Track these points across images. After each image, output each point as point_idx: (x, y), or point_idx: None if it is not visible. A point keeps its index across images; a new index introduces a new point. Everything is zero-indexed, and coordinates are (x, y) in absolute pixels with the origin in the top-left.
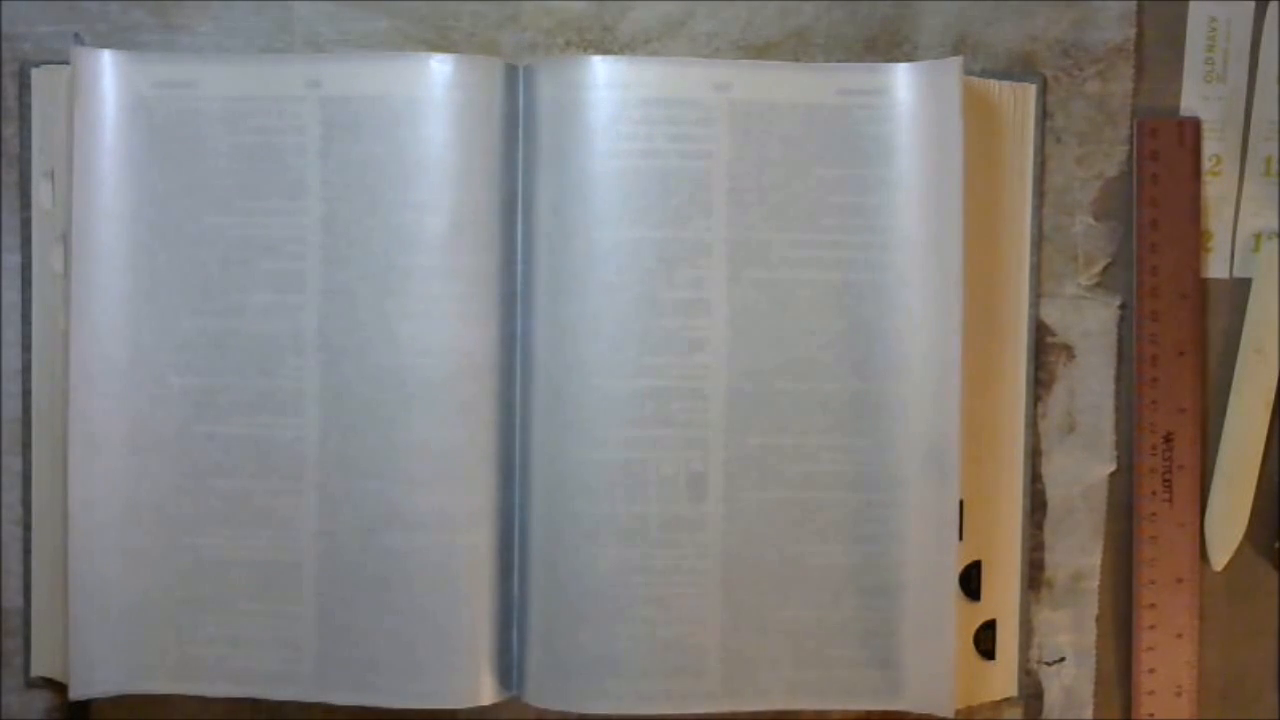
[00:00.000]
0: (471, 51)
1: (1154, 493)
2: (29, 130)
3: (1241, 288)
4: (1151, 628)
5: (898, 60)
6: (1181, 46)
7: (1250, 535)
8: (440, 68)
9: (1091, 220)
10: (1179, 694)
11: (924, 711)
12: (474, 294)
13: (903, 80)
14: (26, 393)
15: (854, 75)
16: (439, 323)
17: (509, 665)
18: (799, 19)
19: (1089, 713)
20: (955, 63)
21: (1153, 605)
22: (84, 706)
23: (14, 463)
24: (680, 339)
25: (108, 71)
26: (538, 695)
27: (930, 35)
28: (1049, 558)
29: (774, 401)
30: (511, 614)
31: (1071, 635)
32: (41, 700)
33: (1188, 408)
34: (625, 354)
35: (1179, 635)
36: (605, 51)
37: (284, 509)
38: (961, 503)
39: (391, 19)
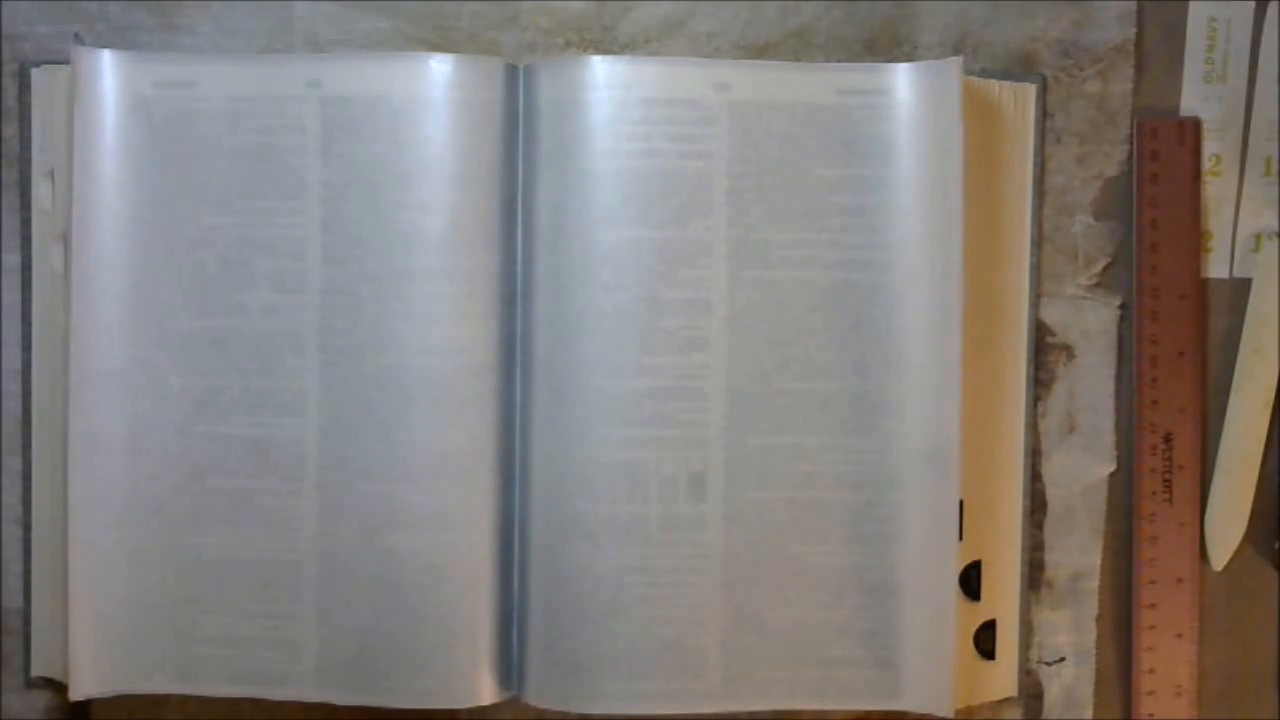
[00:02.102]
0: (471, 51)
1: (1154, 493)
2: (29, 130)
3: (1241, 288)
4: (1151, 628)
5: (898, 60)
6: (1181, 46)
7: (1250, 535)
8: (440, 68)
9: (1091, 220)
10: (1179, 694)
11: (924, 711)
12: (474, 294)
13: (903, 80)
14: (26, 393)
15: (854, 75)
16: (439, 323)
17: (509, 665)
18: (799, 19)
19: (1089, 713)
20: (955, 63)
21: (1153, 605)
22: (84, 706)
23: (14, 463)
24: (680, 339)
25: (108, 71)
26: (538, 695)
27: (930, 35)
28: (1049, 558)
29: (774, 401)
30: (511, 614)
31: (1071, 635)
32: (41, 700)
33: (1188, 408)
34: (625, 354)
35: (1179, 635)
36: (605, 51)
37: (284, 509)
38: (961, 503)
39: (391, 19)
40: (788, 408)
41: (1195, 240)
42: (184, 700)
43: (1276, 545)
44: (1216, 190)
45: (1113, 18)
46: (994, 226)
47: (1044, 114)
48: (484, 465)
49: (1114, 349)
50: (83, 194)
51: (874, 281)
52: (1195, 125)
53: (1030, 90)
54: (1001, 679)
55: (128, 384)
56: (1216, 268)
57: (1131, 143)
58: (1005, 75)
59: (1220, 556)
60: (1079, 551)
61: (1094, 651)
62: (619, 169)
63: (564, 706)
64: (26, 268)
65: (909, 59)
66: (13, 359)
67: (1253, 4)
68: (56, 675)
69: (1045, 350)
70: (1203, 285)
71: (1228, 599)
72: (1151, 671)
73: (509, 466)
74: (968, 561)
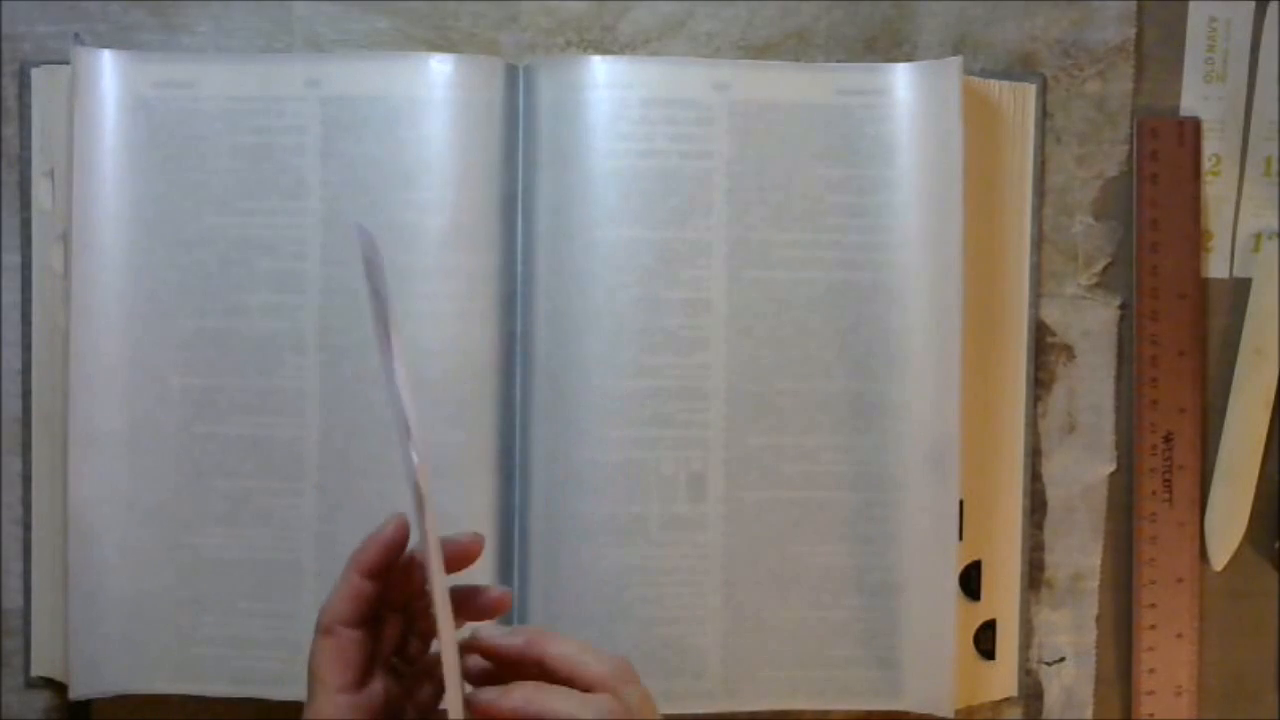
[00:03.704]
0: (471, 51)
1: (1154, 493)
2: (29, 130)
3: (1241, 288)
4: (1151, 628)
5: (898, 60)
6: (1181, 46)
7: (1250, 535)
8: (440, 68)
9: (1091, 220)
10: (1179, 694)
11: (924, 711)
12: (474, 293)
13: (903, 80)
14: (26, 393)
15: (854, 75)
16: (439, 323)
17: None
18: (799, 19)
19: (1089, 713)
20: (955, 63)
21: (1153, 605)
22: (84, 706)
23: (14, 463)
24: (680, 339)
25: (108, 71)
26: None
27: (930, 35)
28: (1049, 558)
29: (774, 401)
30: (512, 613)
31: (1071, 635)
32: (41, 700)
33: (1188, 408)
34: (625, 353)
35: (1179, 635)
36: (605, 51)
37: (284, 509)
38: (961, 503)
39: (391, 19)
40: (788, 408)
41: (1195, 240)
42: (184, 700)
43: (1276, 545)
44: (1216, 190)
45: (1113, 18)
46: (994, 226)
47: (1044, 114)
48: (484, 465)
49: (1114, 349)
50: (83, 194)
51: (874, 281)
52: (1195, 125)
53: (1030, 90)
54: (1001, 679)
55: (128, 384)
56: (1216, 268)
57: (1131, 143)
58: (1005, 75)
59: (1220, 556)
60: (1079, 551)
61: (1094, 651)
62: (619, 169)
63: None
64: (26, 268)
65: (909, 59)
66: (13, 359)
67: (1253, 4)
68: (56, 675)
69: (1045, 350)
70: (1203, 285)
71: (1228, 599)
72: (1151, 671)
73: (509, 466)
74: (968, 561)
